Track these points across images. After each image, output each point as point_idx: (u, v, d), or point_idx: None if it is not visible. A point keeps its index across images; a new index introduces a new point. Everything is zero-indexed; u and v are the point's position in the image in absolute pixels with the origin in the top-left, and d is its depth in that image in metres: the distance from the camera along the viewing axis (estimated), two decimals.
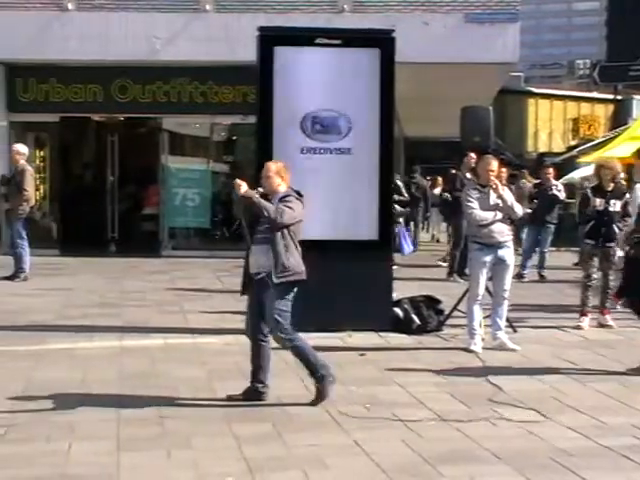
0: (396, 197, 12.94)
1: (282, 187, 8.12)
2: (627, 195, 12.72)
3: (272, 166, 8.19)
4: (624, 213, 12.15)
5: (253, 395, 8.18)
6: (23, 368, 9.38)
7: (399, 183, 12.58)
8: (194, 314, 12.84)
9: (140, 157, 23.07)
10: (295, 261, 8.01)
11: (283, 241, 7.91)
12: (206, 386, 8.71)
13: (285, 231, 7.91)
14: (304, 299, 10.98)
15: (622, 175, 13.91)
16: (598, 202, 12.10)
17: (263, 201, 7.90)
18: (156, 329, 11.65)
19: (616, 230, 12.13)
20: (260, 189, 8.05)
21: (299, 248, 8.10)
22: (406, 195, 12.53)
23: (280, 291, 7.96)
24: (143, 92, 21.49)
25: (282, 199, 7.99)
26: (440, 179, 26.44)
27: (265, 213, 7.84)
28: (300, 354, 8.19)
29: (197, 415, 7.72)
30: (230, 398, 8.14)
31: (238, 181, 7.93)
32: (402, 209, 12.89)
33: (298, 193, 8.14)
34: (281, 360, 9.89)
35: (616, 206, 12.14)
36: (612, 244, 12.21)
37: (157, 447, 6.85)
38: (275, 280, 7.89)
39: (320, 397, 8.02)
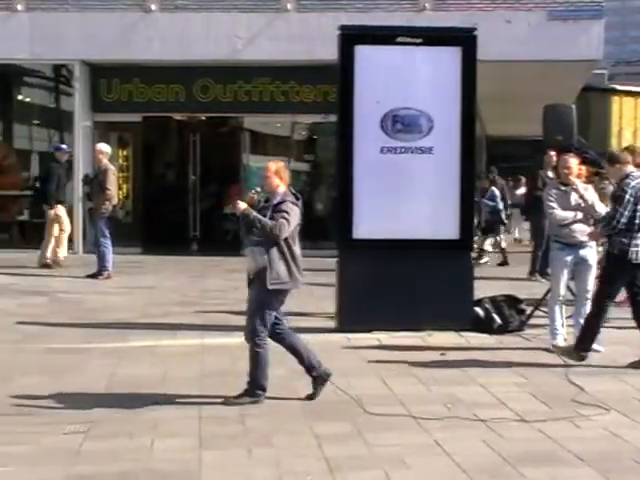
0: None
1: (281, 188, 8.18)
2: None
3: (272, 166, 8.22)
4: None
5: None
6: (106, 365, 9.50)
7: None
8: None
9: (222, 156, 23.21)
10: (285, 270, 8.05)
11: (278, 249, 7.99)
12: (286, 385, 8.73)
13: (282, 242, 8.01)
14: (386, 298, 11.07)
15: None
16: None
17: (262, 219, 7.98)
18: (237, 327, 11.66)
19: None
20: (258, 189, 8.22)
21: (296, 253, 8.15)
22: None
23: (270, 296, 8.06)
24: (225, 92, 21.63)
25: (278, 205, 8.02)
26: (523, 179, 26.17)
27: (265, 230, 7.94)
28: (254, 361, 8.16)
29: (278, 413, 7.75)
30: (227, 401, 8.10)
31: (239, 202, 8.05)
32: None
33: (295, 195, 8.23)
34: (360, 359, 9.91)
35: None
36: None
37: (238, 445, 6.89)
38: (269, 286, 7.99)
39: (233, 403, 8.00)
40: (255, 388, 8.09)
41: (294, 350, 8.43)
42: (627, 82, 63.90)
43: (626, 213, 9.51)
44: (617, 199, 9.65)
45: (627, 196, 9.52)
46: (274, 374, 9.12)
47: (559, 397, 8.31)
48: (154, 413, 7.72)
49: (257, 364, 8.13)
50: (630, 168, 9.85)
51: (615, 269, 9.79)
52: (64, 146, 17.01)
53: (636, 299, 9.95)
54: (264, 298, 8.05)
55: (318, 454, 6.67)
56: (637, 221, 9.57)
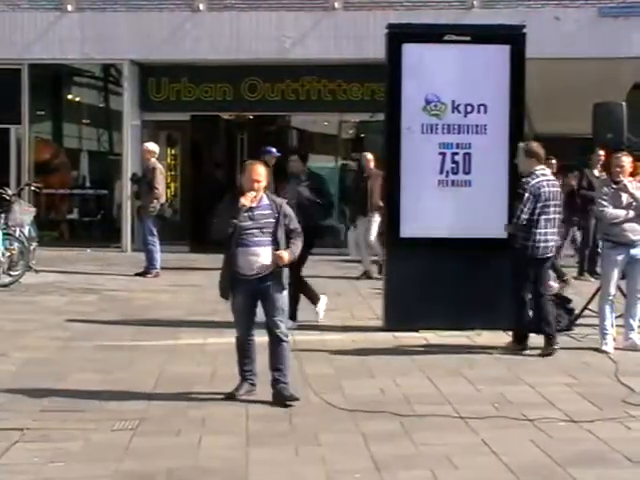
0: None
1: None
2: None
3: (263, 170, 8.13)
4: None
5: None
6: (156, 362, 9.56)
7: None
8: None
9: None
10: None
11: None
12: (334, 383, 8.74)
13: None
14: (433, 297, 11.03)
15: None
16: None
17: (295, 249, 8.12)
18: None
19: None
20: (253, 193, 8.01)
21: None
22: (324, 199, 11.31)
23: (285, 292, 8.18)
24: (272, 90, 21.68)
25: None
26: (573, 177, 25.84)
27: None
28: (285, 351, 8.22)
29: (325, 412, 7.75)
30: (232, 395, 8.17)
31: (280, 253, 7.96)
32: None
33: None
34: (408, 358, 9.90)
35: None
36: None
37: (285, 443, 6.90)
38: (285, 282, 8.10)
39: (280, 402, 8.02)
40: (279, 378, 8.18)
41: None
42: None
43: (525, 209, 10.02)
44: (518, 196, 10.17)
45: (527, 194, 10.03)
46: (321, 373, 9.15)
47: (609, 398, 8.24)
48: (202, 410, 7.75)
49: (287, 360, 8.23)
50: (538, 166, 10.27)
51: (518, 264, 10.21)
52: (272, 149, 16.11)
53: (537, 293, 10.31)
54: (283, 292, 8.16)
55: (365, 452, 6.66)
56: (535, 217, 10.05)
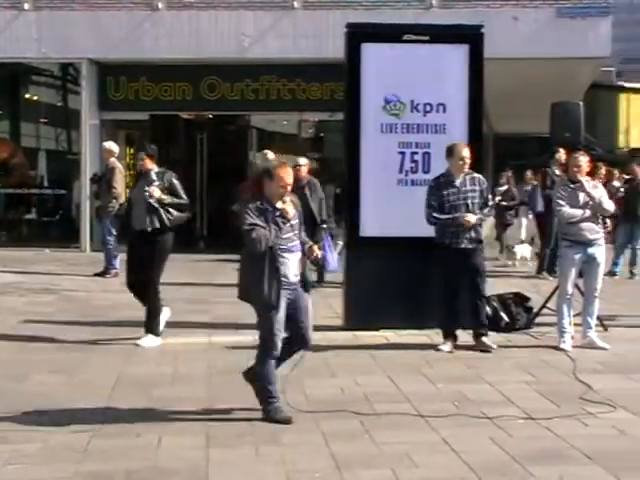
0: (168, 199, 10.48)
1: None
2: None
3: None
4: None
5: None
6: (114, 363, 9.52)
7: (175, 182, 10.64)
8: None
9: (229, 154, 23.25)
10: None
11: None
12: (294, 383, 8.72)
13: None
14: (393, 296, 11.05)
15: None
16: None
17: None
18: (245, 325, 11.70)
19: None
20: (288, 198, 7.58)
21: None
22: (185, 197, 10.60)
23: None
24: (232, 90, 21.65)
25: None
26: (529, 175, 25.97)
27: None
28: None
29: (286, 411, 7.73)
30: None
31: (314, 247, 7.81)
32: (181, 214, 10.57)
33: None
34: (368, 357, 9.92)
35: None
36: None
37: (245, 443, 6.89)
38: (310, 288, 7.88)
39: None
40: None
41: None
42: (635, 79, 63.73)
43: (427, 210, 10.36)
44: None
45: (426, 195, 10.43)
46: (282, 373, 9.14)
47: (567, 395, 8.30)
48: (161, 411, 7.72)
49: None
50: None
51: (439, 257, 10.44)
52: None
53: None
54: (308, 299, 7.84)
55: (326, 452, 6.66)
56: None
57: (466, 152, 10.39)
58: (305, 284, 7.73)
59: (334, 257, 15.47)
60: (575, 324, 10.75)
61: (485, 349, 10.32)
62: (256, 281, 7.38)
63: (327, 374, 9.17)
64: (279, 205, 7.47)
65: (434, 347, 10.34)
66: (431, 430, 7.23)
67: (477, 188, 10.46)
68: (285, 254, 7.47)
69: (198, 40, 20.43)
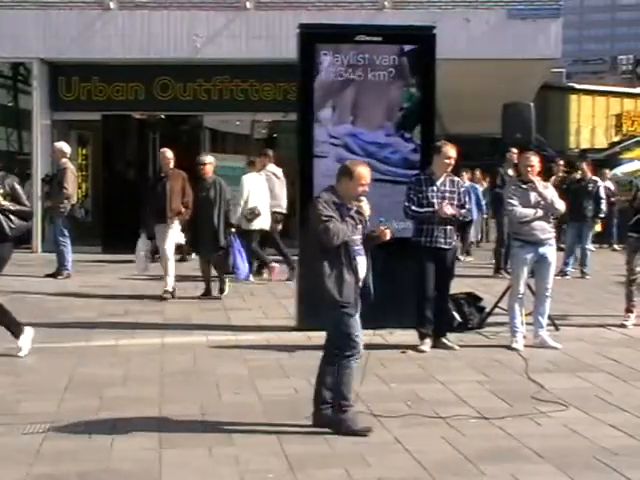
0: (10, 206, 9.45)
1: None
2: None
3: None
4: None
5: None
6: (67, 365, 9.45)
7: (17, 187, 9.70)
8: (236, 311, 12.87)
9: (182, 155, 23.11)
10: None
11: None
12: (248, 383, 8.73)
13: None
14: None
15: None
16: None
17: None
18: (198, 326, 11.70)
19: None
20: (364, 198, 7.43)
21: None
22: (27, 204, 9.79)
23: None
24: (184, 90, 21.57)
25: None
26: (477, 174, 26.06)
27: None
28: None
29: (239, 412, 7.73)
30: None
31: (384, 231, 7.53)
32: (23, 222, 9.65)
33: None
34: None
35: None
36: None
37: (198, 444, 6.87)
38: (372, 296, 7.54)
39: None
40: None
41: None
42: (585, 81, 64.33)
43: (406, 204, 10.39)
44: None
45: (406, 189, 10.50)
46: (235, 373, 9.14)
47: (519, 394, 8.36)
48: (114, 413, 7.68)
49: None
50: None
51: (414, 256, 10.48)
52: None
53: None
54: None
55: (279, 453, 6.66)
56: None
57: (453, 152, 10.46)
58: (367, 291, 7.46)
59: (245, 264, 14.85)
60: (527, 323, 10.82)
61: (446, 348, 10.38)
62: (335, 280, 7.14)
63: (280, 375, 9.17)
64: (364, 207, 7.37)
65: (401, 347, 10.35)
66: (384, 430, 7.25)
67: (456, 190, 10.52)
68: (358, 257, 7.30)
69: (150, 40, 20.34)
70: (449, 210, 10.32)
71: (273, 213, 16.63)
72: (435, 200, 10.37)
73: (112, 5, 20.53)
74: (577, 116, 56.13)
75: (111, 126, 22.44)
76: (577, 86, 58.22)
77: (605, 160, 34.05)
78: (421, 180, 10.54)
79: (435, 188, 10.42)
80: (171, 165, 14.58)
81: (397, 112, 11.54)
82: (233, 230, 14.58)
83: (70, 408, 7.83)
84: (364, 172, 7.37)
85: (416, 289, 10.54)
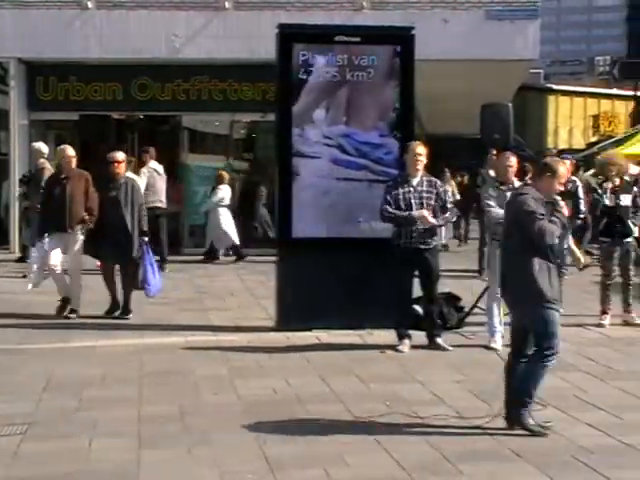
0: None
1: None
2: (635, 189, 12.72)
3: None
4: (635, 206, 12.20)
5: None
6: (45, 366, 9.41)
7: None
8: (215, 312, 12.86)
9: (160, 155, 23.07)
10: None
11: None
12: (227, 384, 8.72)
13: None
14: (325, 297, 11.06)
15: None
16: (608, 198, 12.19)
17: None
18: (177, 327, 11.68)
19: (630, 225, 12.17)
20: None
21: None
22: None
23: None
24: (163, 90, 21.50)
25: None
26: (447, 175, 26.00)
27: None
28: None
29: (218, 413, 7.73)
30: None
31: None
32: None
33: None
34: (300, 358, 9.93)
35: (626, 200, 12.16)
36: (629, 239, 12.24)
37: (177, 444, 6.87)
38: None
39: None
40: None
41: None
42: (563, 81, 64.59)
43: (383, 206, 10.39)
44: None
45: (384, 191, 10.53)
46: (215, 373, 9.13)
47: (497, 394, 8.35)
48: (92, 413, 7.66)
49: None
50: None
51: (393, 257, 10.48)
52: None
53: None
54: None
55: (258, 453, 6.66)
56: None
57: (420, 149, 10.52)
58: None
59: (157, 278, 12.83)
60: (505, 323, 10.84)
61: (439, 349, 10.39)
62: (544, 278, 7.21)
63: (260, 375, 9.17)
64: (563, 205, 7.49)
65: (380, 348, 10.36)
66: (363, 430, 7.26)
67: (433, 190, 10.53)
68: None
69: (129, 40, 20.25)
70: (430, 220, 10.34)
71: (154, 208, 16.63)
72: (413, 201, 10.39)
73: (90, 5, 20.43)
74: (555, 117, 56.41)
75: (89, 126, 22.35)
76: (555, 87, 58.52)
77: (583, 161, 34.15)
78: (397, 181, 10.57)
79: (412, 189, 10.43)
80: (73, 165, 12.96)
81: (391, 113, 11.58)
82: (146, 239, 12.68)
83: (48, 409, 7.81)
84: (564, 170, 7.59)
85: (395, 290, 10.56)
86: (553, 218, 7.27)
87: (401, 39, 11.73)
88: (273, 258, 12.01)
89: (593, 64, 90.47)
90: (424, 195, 10.44)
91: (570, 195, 18.10)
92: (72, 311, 12.42)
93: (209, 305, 13.53)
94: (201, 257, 19.63)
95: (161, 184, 17.94)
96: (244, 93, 21.48)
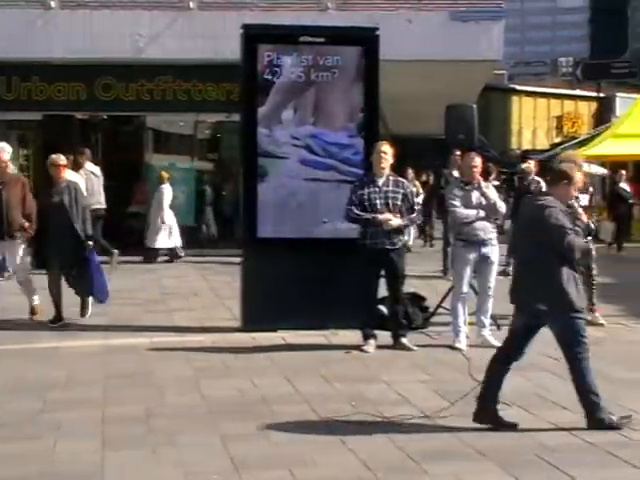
0: None
1: None
2: (590, 189, 12.81)
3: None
4: (591, 206, 12.31)
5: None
6: (9, 367, 9.37)
7: None
8: (180, 312, 12.83)
9: (124, 155, 23.01)
10: None
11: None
12: (192, 384, 8.71)
13: None
14: (290, 297, 11.07)
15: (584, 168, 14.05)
16: None
17: None
18: (142, 327, 11.64)
19: (591, 224, 12.22)
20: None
21: None
22: None
23: None
24: (127, 90, 21.43)
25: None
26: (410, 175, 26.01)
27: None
28: None
29: (183, 413, 7.72)
30: None
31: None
32: None
33: None
34: (265, 358, 9.92)
35: (584, 200, 12.23)
36: (589, 238, 12.32)
37: (142, 445, 6.85)
38: None
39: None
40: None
41: None
42: (526, 82, 64.91)
43: (348, 207, 10.41)
44: None
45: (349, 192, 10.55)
46: (179, 374, 9.11)
47: (462, 393, 8.39)
48: (57, 415, 7.63)
49: None
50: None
51: (361, 256, 10.47)
52: None
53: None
54: None
55: (224, 454, 6.66)
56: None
57: (385, 148, 10.52)
58: None
59: (105, 283, 12.46)
60: (469, 323, 10.90)
61: (404, 349, 10.43)
62: (573, 286, 7.31)
63: (225, 375, 9.16)
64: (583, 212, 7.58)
65: (346, 348, 10.37)
66: (328, 430, 7.27)
67: (400, 191, 10.54)
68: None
69: (92, 40, 20.15)
70: (395, 222, 10.36)
71: (95, 210, 16.43)
72: (378, 201, 10.40)
73: (53, 4, 20.32)
74: (519, 117, 56.74)
75: (52, 126, 22.21)
76: (519, 88, 58.81)
77: (547, 161, 34.34)
78: (363, 181, 10.59)
79: (377, 189, 10.45)
80: (9, 170, 12.68)
81: (358, 113, 11.60)
82: (91, 244, 12.26)
83: (12, 410, 7.77)
84: (580, 177, 7.61)
85: (361, 290, 10.58)
86: (576, 228, 7.37)
87: (365, 40, 11.75)
88: (238, 259, 12.01)
89: (556, 65, 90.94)
90: (390, 195, 10.45)
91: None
92: (32, 313, 12.27)
93: (173, 306, 13.49)
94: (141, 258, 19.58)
95: (98, 186, 18.08)
96: (208, 93, 21.46)
